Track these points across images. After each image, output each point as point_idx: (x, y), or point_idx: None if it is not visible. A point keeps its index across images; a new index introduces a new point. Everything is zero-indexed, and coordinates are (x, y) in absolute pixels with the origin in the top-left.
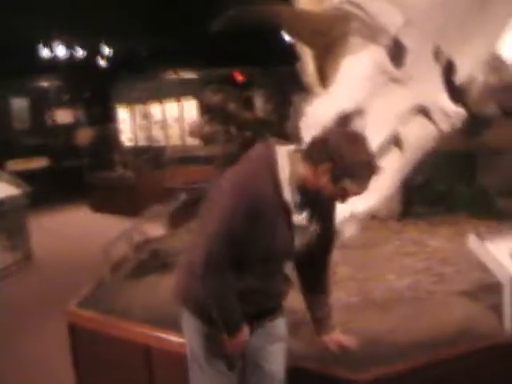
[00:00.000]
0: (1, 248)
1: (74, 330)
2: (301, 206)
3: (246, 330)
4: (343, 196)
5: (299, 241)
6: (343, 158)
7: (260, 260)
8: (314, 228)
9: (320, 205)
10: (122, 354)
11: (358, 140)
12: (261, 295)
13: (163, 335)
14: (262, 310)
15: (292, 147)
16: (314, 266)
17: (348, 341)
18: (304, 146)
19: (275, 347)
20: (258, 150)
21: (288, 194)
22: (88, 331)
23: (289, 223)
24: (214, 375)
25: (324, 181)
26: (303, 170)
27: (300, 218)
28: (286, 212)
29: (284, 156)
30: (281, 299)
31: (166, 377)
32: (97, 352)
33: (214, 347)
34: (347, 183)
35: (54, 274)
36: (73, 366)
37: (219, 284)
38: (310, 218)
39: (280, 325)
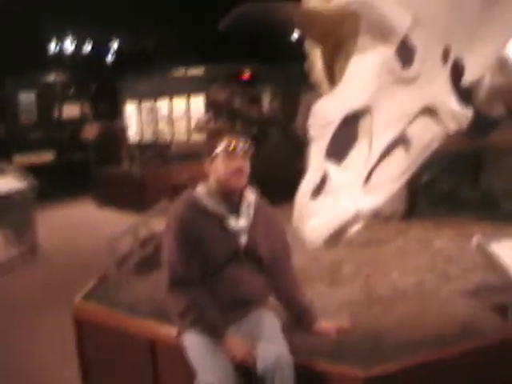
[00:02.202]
0: (7, 241)
1: (80, 324)
2: (230, 208)
3: (237, 341)
4: (234, 172)
5: (244, 241)
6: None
7: (211, 264)
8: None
9: (240, 200)
10: (127, 348)
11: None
12: (229, 291)
13: (168, 330)
14: (237, 302)
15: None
16: (278, 271)
17: (342, 324)
18: None
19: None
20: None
21: (215, 204)
22: (93, 325)
23: (220, 227)
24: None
25: (214, 171)
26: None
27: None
28: (215, 218)
29: (203, 185)
30: (254, 292)
31: (171, 371)
32: (102, 346)
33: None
34: (218, 159)
35: (59, 268)
36: (78, 359)
37: (187, 294)
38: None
39: (267, 317)
